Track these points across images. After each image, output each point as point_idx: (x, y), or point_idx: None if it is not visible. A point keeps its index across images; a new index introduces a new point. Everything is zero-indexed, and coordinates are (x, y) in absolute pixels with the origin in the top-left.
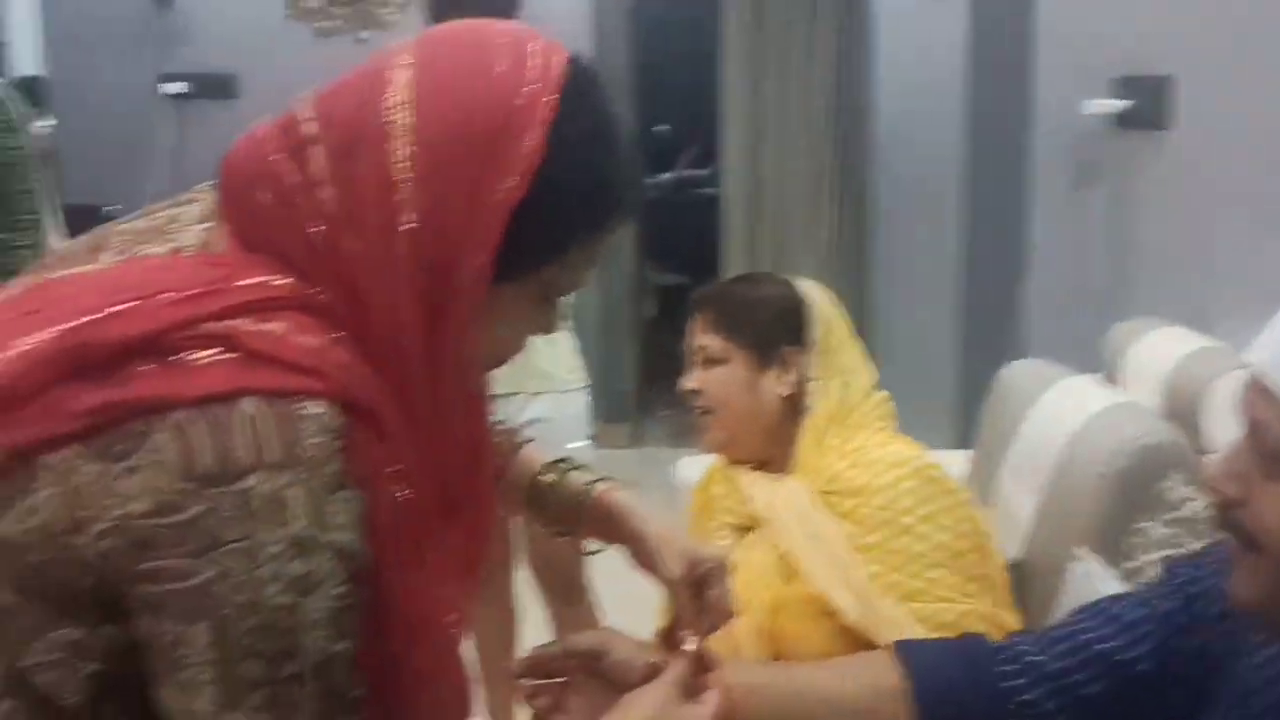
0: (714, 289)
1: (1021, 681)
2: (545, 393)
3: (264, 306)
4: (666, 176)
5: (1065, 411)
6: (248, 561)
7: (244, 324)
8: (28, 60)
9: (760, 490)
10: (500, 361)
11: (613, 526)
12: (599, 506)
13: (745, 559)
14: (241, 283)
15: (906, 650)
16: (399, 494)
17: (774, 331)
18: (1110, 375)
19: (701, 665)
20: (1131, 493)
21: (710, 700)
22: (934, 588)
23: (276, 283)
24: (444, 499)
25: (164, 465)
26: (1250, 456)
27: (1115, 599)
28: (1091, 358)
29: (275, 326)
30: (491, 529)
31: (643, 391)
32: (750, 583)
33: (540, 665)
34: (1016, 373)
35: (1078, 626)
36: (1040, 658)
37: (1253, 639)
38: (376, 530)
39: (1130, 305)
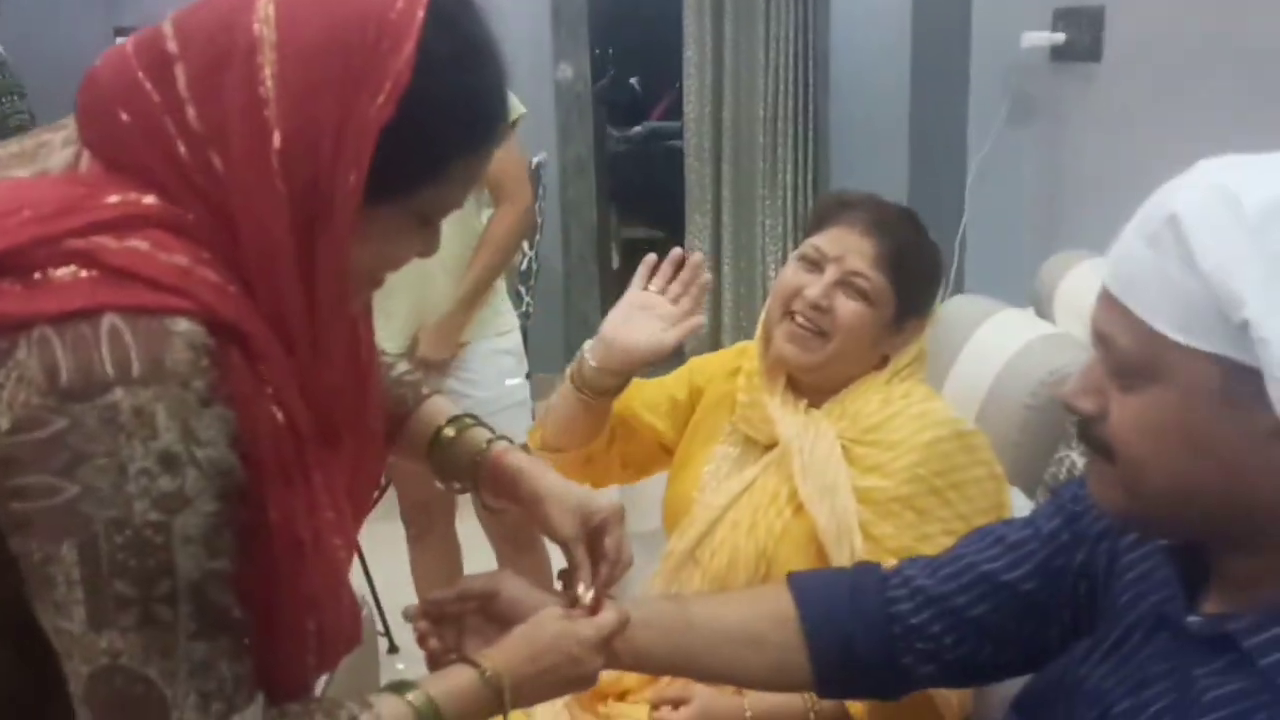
0: (900, 224)
1: (908, 606)
2: (474, 340)
3: (127, 224)
4: (637, 129)
5: (997, 345)
6: (114, 477)
7: (106, 241)
8: None
9: (790, 420)
10: (378, 284)
11: (506, 486)
12: (494, 466)
13: (761, 483)
14: (105, 200)
15: (798, 579)
16: (275, 415)
17: (923, 300)
18: (1043, 308)
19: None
20: (1056, 423)
21: (610, 611)
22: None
23: (142, 201)
24: (325, 424)
25: (25, 381)
26: (1103, 370)
27: (1005, 523)
28: (1028, 291)
29: (139, 244)
30: (379, 457)
31: None
32: (760, 506)
33: (436, 608)
34: (954, 307)
35: (965, 550)
36: (927, 582)
37: (1127, 552)
38: (252, 451)
39: (1065, 238)
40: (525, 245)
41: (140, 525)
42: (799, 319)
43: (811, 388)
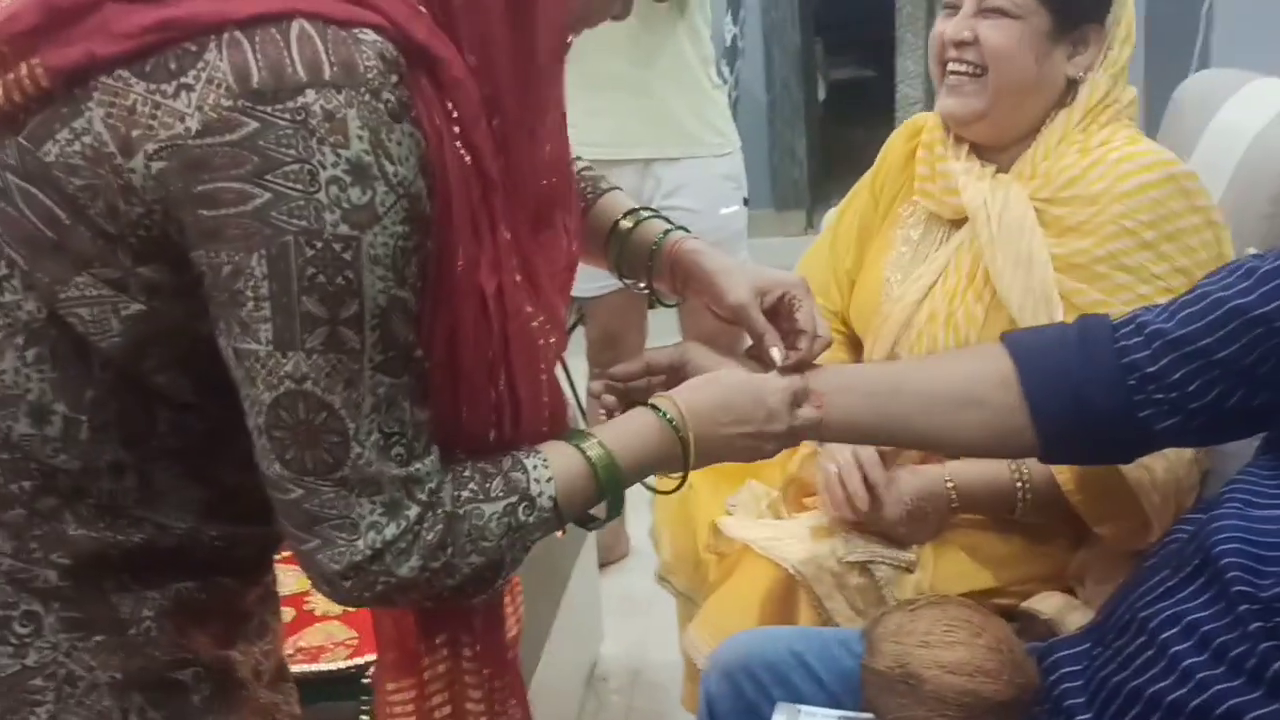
0: None
1: (1144, 354)
2: (687, 158)
3: None
4: None
5: (1250, 115)
6: (306, 184)
7: None
8: None
9: (975, 187)
10: (587, 24)
11: (680, 272)
12: (671, 253)
13: (955, 265)
14: None
15: (1015, 337)
16: (463, 156)
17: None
18: None
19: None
20: None
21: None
22: None
23: None
24: (537, 200)
25: (215, 83)
26: None
27: (1257, 255)
28: None
29: None
30: (579, 242)
31: (817, 179)
32: (956, 293)
33: (621, 381)
34: (1198, 84)
35: (1210, 285)
36: (1165, 325)
37: None
38: (439, 186)
39: None
40: (726, 71)
41: (330, 238)
42: (951, 66)
43: (996, 148)
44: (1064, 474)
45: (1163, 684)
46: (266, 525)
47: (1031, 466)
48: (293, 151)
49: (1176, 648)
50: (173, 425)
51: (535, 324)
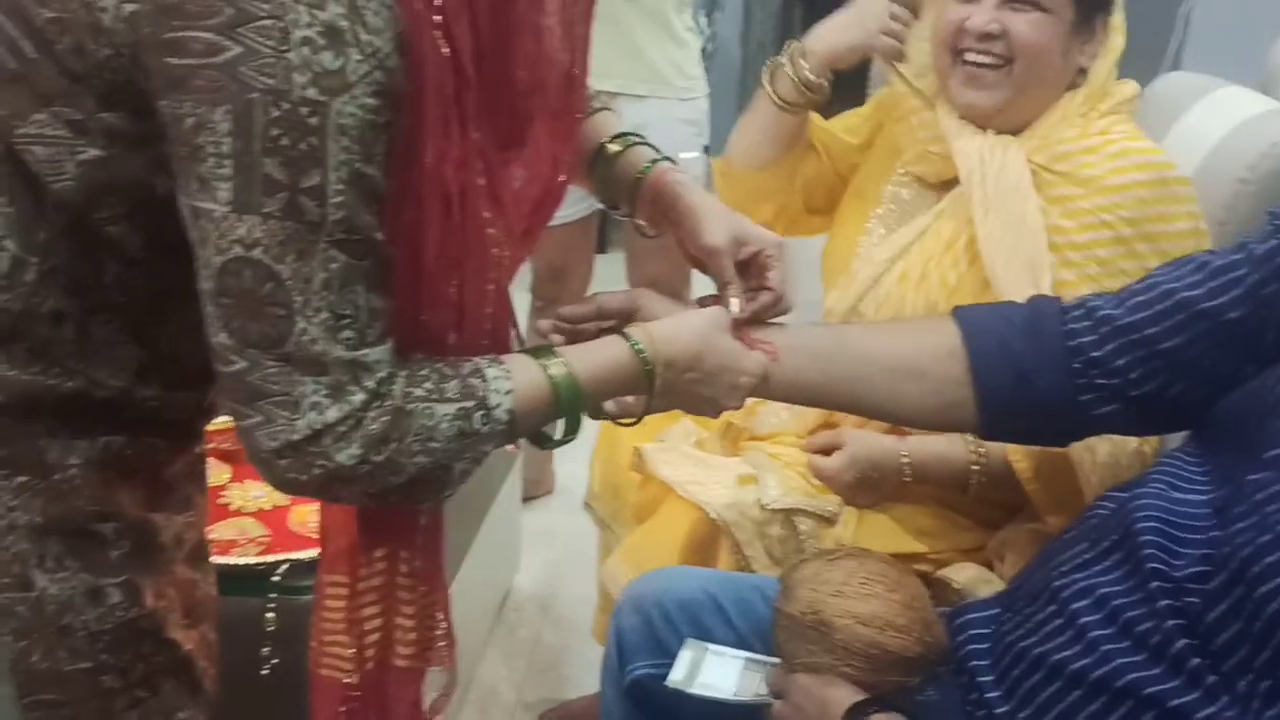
0: None
1: (1091, 338)
2: (653, 97)
3: None
4: None
5: (1213, 121)
6: (278, 41)
7: None
8: None
9: (973, 146)
10: None
11: (662, 204)
12: (655, 183)
13: (935, 229)
14: None
15: (965, 311)
16: (440, 46)
17: None
18: (1271, 87)
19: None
20: (1270, 199)
21: (758, 353)
22: None
23: None
24: (485, 75)
25: None
26: None
27: (1209, 251)
28: (1256, 70)
29: None
30: (563, 168)
31: None
32: (933, 255)
33: (571, 323)
34: (1166, 85)
35: (1161, 277)
36: (1114, 311)
37: None
38: (414, 74)
39: None
40: (705, 22)
41: (298, 100)
42: (971, 56)
43: (1001, 126)
44: (1021, 462)
45: (1067, 653)
46: (200, 391)
47: (990, 449)
48: (266, 7)
49: (1085, 619)
50: (119, 280)
51: (491, 231)
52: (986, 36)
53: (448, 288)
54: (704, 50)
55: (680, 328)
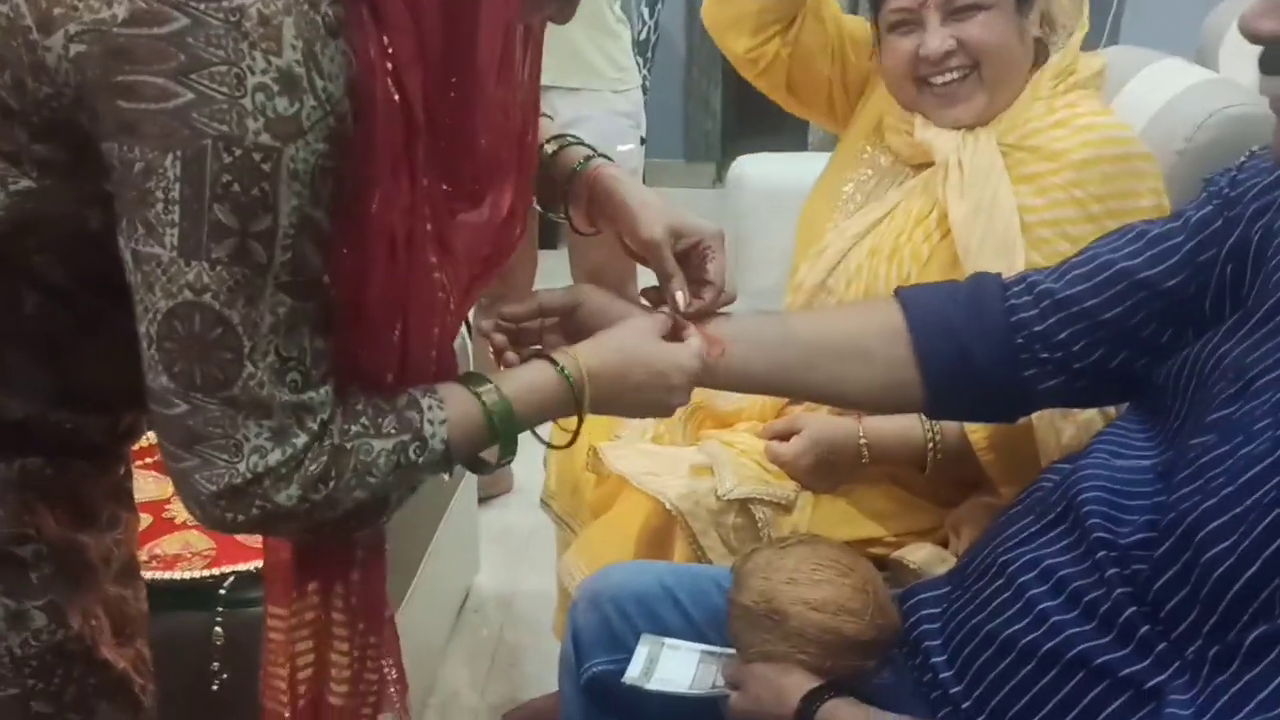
0: None
1: (1032, 313)
2: (586, 89)
3: None
4: None
5: (1152, 92)
6: (231, 88)
7: None
8: None
9: (944, 139)
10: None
11: (597, 200)
12: (590, 180)
13: (905, 205)
14: None
15: (908, 291)
16: (392, 93)
17: None
18: (1205, 57)
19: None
20: (1209, 167)
21: (693, 341)
22: None
23: None
24: (441, 129)
25: None
26: None
27: (1146, 221)
28: (1191, 40)
29: None
30: (517, 230)
31: (730, 133)
32: (904, 230)
33: (512, 320)
34: (1105, 58)
35: (1100, 248)
36: (1054, 285)
37: None
38: (364, 117)
39: None
40: (646, 12)
41: (251, 146)
42: (936, 79)
43: (981, 122)
44: (977, 434)
45: (1017, 627)
46: (115, 415)
47: (944, 425)
48: (221, 53)
49: (1033, 591)
50: (40, 309)
51: (437, 275)
52: (946, 55)
53: (390, 330)
54: (645, 40)
55: (603, 346)
